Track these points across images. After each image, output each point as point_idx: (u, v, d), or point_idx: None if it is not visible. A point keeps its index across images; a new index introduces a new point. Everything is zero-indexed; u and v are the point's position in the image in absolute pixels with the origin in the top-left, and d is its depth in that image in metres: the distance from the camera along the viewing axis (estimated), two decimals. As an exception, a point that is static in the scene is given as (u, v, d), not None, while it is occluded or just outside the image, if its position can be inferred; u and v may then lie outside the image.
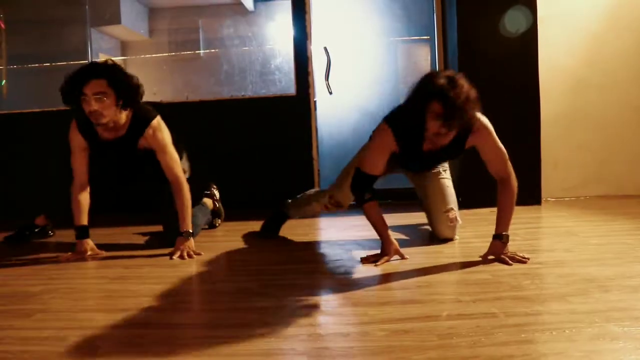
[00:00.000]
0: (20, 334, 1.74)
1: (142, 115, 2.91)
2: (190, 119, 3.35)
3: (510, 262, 2.38)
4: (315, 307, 1.93)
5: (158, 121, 2.94)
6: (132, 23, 6.96)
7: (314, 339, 1.59)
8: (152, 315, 1.91)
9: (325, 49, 4.47)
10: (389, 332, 1.61)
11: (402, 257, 2.54)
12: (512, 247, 2.50)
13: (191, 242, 2.90)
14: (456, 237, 2.96)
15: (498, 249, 2.46)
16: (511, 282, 2.09)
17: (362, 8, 5.15)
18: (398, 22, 5.04)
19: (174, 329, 1.75)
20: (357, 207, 2.77)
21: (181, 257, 2.79)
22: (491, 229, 2.51)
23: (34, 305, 2.07)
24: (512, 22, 3.96)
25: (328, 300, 2.02)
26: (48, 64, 5.67)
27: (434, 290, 2.06)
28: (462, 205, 3.91)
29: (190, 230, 2.92)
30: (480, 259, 2.49)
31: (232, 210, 4.12)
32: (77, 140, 2.95)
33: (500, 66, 4.00)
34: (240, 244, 3.10)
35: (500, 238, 2.47)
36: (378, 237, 2.63)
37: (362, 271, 2.40)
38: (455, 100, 2.18)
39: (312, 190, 3.32)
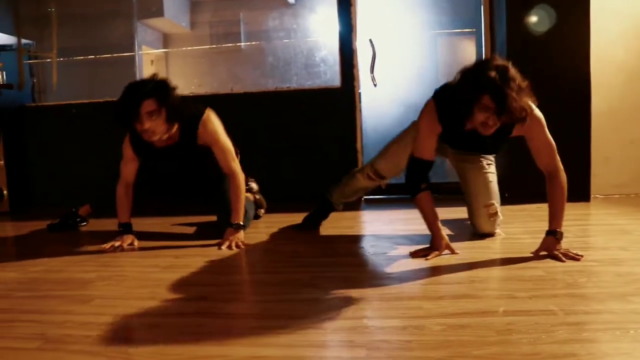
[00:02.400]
0: (80, 319, 1.78)
1: (189, 117, 2.94)
2: (234, 111, 3.38)
3: (563, 259, 2.33)
4: (367, 299, 1.92)
5: (207, 114, 2.98)
6: (174, 16, 7.03)
7: (370, 331, 1.58)
8: (206, 305, 1.93)
9: (371, 41, 4.45)
10: (446, 326, 1.59)
11: (453, 252, 2.51)
12: (563, 244, 2.45)
13: (241, 233, 2.94)
14: (497, 231, 2.91)
15: (551, 245, 2.42)
16: (566, 280, 2.05)
17: (407, 1, 5.11)
18: (443, 15, 4.98)
19: (228, 319, 1.77)
20: (406, 200, 2.76)
21: (229, 247, 2.82)
22: (539, 225, 2.47)
23: (90, 292, 2.11)
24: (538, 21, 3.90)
25: (380, 294, 2.01)
26: (93, 57, 5.77)
27: (488, 285, 2.04)
28: (509, 200, 3.87)
29: (242, 223, 2.96)
30: (532, 254, 2.44)
31: (275, 203, 4.14)
32: (128, 152, 3.04)
33: (551, 59, 3.92)
34: (284, 236, 3.11)
35: (554, 234, 2.43)
36: (424, 231, 2.61)
37: (413, 265, 2.38)
38: (507, 96, 2.13)
39: (355, 169, 3.29)
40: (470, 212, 2.97)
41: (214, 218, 3.32)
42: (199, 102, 3.07)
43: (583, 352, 1.39)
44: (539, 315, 1.67)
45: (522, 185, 3.88)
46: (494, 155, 3.03)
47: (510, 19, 3.96)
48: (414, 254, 2.51)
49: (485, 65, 2.26)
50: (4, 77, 4.66)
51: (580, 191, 3.97)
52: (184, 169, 3.16)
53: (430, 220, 2.58)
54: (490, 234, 2.90)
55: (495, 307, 1.76)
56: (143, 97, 2.71)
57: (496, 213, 2.88)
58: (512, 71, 2.21)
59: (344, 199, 3.21)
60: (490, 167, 2.98)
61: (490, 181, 2.93)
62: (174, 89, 2.85)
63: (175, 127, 2.90)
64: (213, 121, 2.99)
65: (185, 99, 2.94)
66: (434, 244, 2.54)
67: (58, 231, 3.50)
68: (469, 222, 3.03)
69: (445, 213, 3.48)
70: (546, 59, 3.93)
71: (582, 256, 2.35)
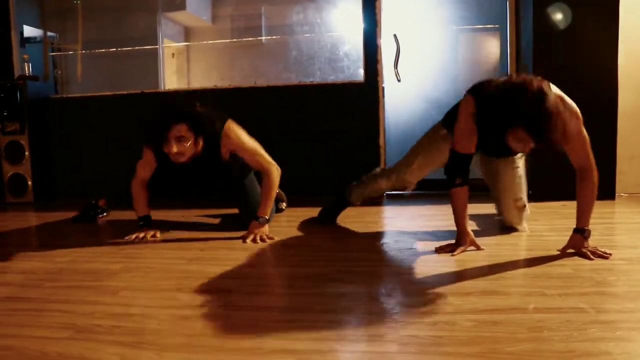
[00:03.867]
0: (109, 310, 1.79)
1: (210, 131, 2.91)
2: (257, 104, 3.39)
3: (592, 256, 2.31)
4: (395, 295, 1.92)
5: (227, 126, 2.97)
6: (196, 9, 7.04)
7: (401, 326, 1.58)
8: (233, 297, 1.93)
9: (395, 36, 4.43)
10: (477, 322, 1.58)
11: (478, 248, 2.50)
12: (590, 242, 2.43)
13: (266, 227, 2.96)
14: (525, 227, 2.93)
15: (579, 243, 2.40)
16: (595, 278, 2.03)
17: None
18: (467, 11, 4.94)
19: (256, 312, 1.77)
20: (429, 196, 2.74)
21: (254, 240, 2.83)
22: (565, 223, 2.45)
23: (117, 283, 2.12)
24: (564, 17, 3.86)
25: (408, 289, 2.00)
26: (114, 49, 5.80)
27: (517, 282, 2.02)
28: (533, 198, 3.84)
29: (267, 217, 2.98)
30: (559, 252, 2.42)
31: (297, 197, 4.15)
32: (149, 157, 3.04)
33: (578, 56, 3.88)
34: (307, 231, 3.11)
35: (582, 232, 2.41)
36: (448, 227, 2.60)
37: (438, 261, 2.37)
38: (544, 130, 2.07)
39: (377, 169, 3.27)
40: (498, 205, 3.01)
41: (237, 210, 3.35)
42: (222, 97, 3.09)
43: (618, 351, 1.37)
44: (570, 312, 1.65)
45: (547, 183, 3.85)
46: None
47: (537, 15, 3.92)
48: (439, 250, 2.50)
49: (521, 93, 2.10)
50: (30, 69, 4.70)
51: (605, 189, 3.92)
52: (204, 177, 3.17)
53: (460, 215, 2.54)
54: (518, 229, 2.93)
55: (525, 304, 1.75)
56: (174, 121, 2.77)
57: (524, 207, 2.90)
58: (551, 97, 2.10)
59: (362, 198, 3.23)
60: (519, 161, 2.94)
61: (519, 176, 2.93)
62: (204, 113, 2.86)
63: (200, 145, 2.90)
64: (234, 130, 2.99)
65: (206, 108, 2.91)
66: (459, 240, 2.52)
67: (80, 222, 3.57)
68: (497, 217, 3.04)
69: (472, 209, 3.47)
70: (574, 56, 3.89)
71: (610, 254, 2.32)
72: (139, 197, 3.09)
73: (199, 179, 3.19)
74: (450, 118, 2.68)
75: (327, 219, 3.26)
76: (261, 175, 3.04)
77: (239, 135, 3.00)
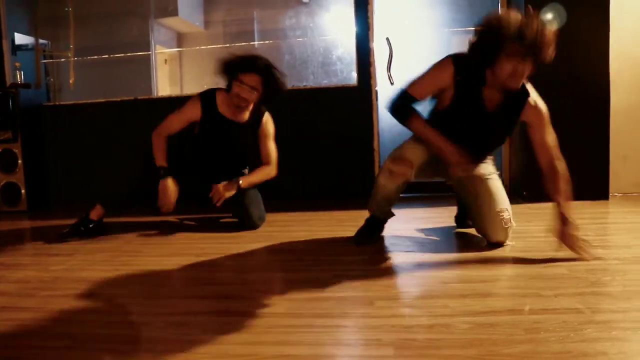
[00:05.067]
0: (105, 318, 1.80)
1: (259, 107, 3.33)
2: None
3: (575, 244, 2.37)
4: (393, 298, 1.92)
5: (269, 114, 3.38)
6: (188, 15, 7.03)
7: (397, 330, 1.58)
8: (231, 303, 1.93)
9: (388, 39, 4.44)
10: (474, 324, 1.59)
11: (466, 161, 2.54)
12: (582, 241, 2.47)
13: (233, 191, 3.20)
14: (509, 242, 2.67)
15: (567, 234, 2.42)
16: (590, 278, 2.04)
17: (424, -1, 5.10)
18: (459, 13, 4.96)
19: (254, 318, 1.76)
20: (426, 198, 2.72)
21: (216, 192, 3.15)
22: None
23: (113, 290, 2.13)
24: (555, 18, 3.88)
25: (406, 292, 2.01)
26: (106, 56, 5.79)
27: (513, 283, 2.03)
28: (528, 199, 3.86)
29: (241, 184, 3.22)
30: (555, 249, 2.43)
31: (292, 201, 4.15)
32: (192, 110, 3.28)
33: (569, 56, 3.89)
34: (303, 235, 3.10)
35: (566, 223, 2.42)
36: (445, 229, 2.60)
37: (435, 264, 2.37)
38: (535, 37, 2.21)
39: None
40: (479, 220, 2.73)
41: (229, 215, 3.41)
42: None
43: (614, 351, 1.38)
44: (566, 313, 1.66)
45: (541, 184, 3.85)
46: (496, 149, 2.90)
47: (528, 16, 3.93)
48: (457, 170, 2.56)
49: (503, 18, 2.30)
50: (22, 76, 4.69)
51: (599, 189, 3.94)
52: (220, 155, 3.35)
53: (433, 134, 2.55)
54: (502, 244, 2.65)
55: (521, 305, 1.76)
56: (254, 70, 3.08)
57: (510, 220, 2.65)
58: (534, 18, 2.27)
59: (383, 208, 2.90)
60: (491, 174, 2.79)
61: (499, 187, 2.74)
62: (280, 79, 3.19)
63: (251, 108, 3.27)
64: (272, 121, 3.40)
65: None
66: (447, 155, 2.53)
67: (69, 239, 3.15)
68: (479, 236, 2.81)
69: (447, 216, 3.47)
70: (565, 58, 3.89)
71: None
72: (158, 146, 3.21)
73: (214, 164, 3.37)
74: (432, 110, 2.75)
75: (363, 239, 2.88)
76: (265, 165, 3.36)
77: (273, 127, 3.40)
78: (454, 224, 3.15)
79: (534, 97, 2.56)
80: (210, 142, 3.31)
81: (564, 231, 2.40)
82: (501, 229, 2.62)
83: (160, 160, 3.18)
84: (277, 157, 3.40)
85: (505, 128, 2.68)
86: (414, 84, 2.61)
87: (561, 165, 2.53)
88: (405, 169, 2.62)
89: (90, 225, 3.23)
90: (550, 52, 2.29)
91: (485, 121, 2.57)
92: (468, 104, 2.56)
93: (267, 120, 3.36)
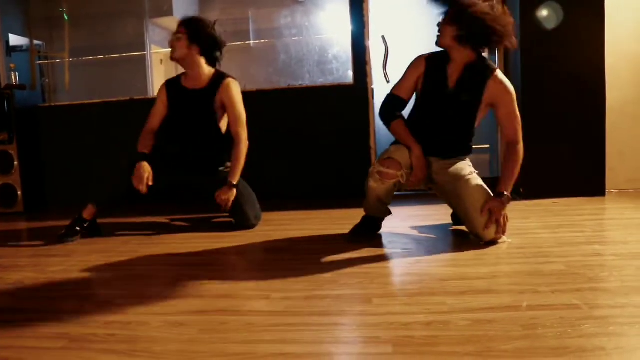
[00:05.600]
0: (103, 319, 1.79)
1: (221, 73, 3.34)
2: (247, 109, 3.38)
3: (501, 220, 2.58)
4: (389, 296, 1.92)
5: (234, 79, 3.33)
6: (183, 14, 7.02)
7: (395, 327, 1.58)
8: (228, 302, 1.93)
9: (383, 37, 4.44)
10: (472, 321, 1.59)
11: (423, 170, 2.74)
12: (581, 239, 2.55)
13: (234, 192, 3.21)
14: (505, 238, 2.66)
15: (497, 207, 2.58)
16: (588, 274, 2.04)
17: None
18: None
19: (251, 316, 1.77)
20: (422, 196, 2.72)
21: (222, 201, 3.18)
22: (556, 220, 2.51)
23: (110, 291, 2.13)
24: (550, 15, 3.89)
25: (403, 289, 2.01)
26: (102, 57, 5.78)
27: (510, 280, 2.03)
28: (525, 196, 3.86)
29: (235, 183, 3.21)
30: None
31: (288, 200, 4.15)
32: (160, 95, 3.40)
33: (564, 52, 3.90)
34: (300, 233, 3.10)
35: (500, 196, 2.61)
36: (442, 227, 2.60)
37: (432, 261, 2.38)
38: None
39: None
40: (469, 221, 2.69)
41: (225, 214, 3.42)
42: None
43: (611, 346, 1.38)
44: (563, 309, 1.67)
45: (537, 181, 3.87)
46: (468, 133, 2.87)
47: (524, 14, 3.94)
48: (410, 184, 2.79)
49: None
50: (17, 78, 4.68)
51: (595, 185, 3.95)
52: (192, 131, 3.37)
53: (408, 136, 2.76)
54: (496, 241, 2.63)
55: (519, 301, 1.76)
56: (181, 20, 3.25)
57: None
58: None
59: (377, 208, 2.90)
60: (471, 174, 2.77)
61: (482, 185, 2.70)
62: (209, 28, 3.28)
63: (207, 71, 3.30)
64: (236, 87, 3.33)
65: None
66: (413, 157, 2.74)
67: (67, 240, 3.14)
68: (474, 236, 2.76)
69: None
70: (560, 55, 3.91)
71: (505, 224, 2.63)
72: (143, 140, 3.27)
73: (190, 142, 3.39)
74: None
75: (356, 237, 2.90)
76: (234, 142, 3.28)
77: (237, 93, 3.32)
78: (450, 222, 3.15)
79: (501, 76, 2.72)
80: (176, 115, 3.38)
81: (496, 202, 2.58)
82: (490, 227, 2.60)
83: (140, 148, 3.24)
84: (244, 126, 3.31)
85: (468, 105, 2.76)
86: (397, 84, 2.87)
87: (518, 146, 2.69)
88: (394, 170, 2.71)
89: (85, 225, 3.23)
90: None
91: (448, 98, 2.75)
92: (433, 83, 2.78)
93: (228, 83, 3.29)
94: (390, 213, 2.95)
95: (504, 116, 2.72)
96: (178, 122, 3.38)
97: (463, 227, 2.99)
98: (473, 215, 2.63)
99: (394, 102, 2.83)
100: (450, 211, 3.16)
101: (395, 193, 2.85)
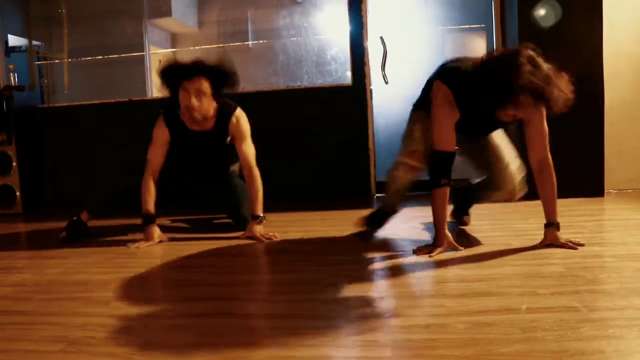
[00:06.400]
0: (102, 321, 1.78)
1: (225, 106, 3.10)
2: (246, 110, 3.37)
3: (573, 245, 2.46)
4: (388, 298, 1.92)
5: (239, 111, 3.13)
6: (182, 15, 7.02)
7: (394, 330, 1.58)
8: (226, 305, 1.92)
9: (382, 38, 4.44)
10: (470, 324, 1.59)
11: (456, 249, 2.51)
12: (579, 240, 2.52)
13: (262, 226, 3.08)
14: (520, 193, 2.78)
15: (555, 236, 2.51)
16: (587, 276, 2.04)
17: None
18: (453, 11, 4.96)
19: (250, 320, 1.77)
20: (422, 197, 2.72)
21: (257, 239, 2.98)
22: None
23: (109, 294, 2.11)
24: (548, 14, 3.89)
25: (401, 292, 2.00)
26: (101, 57, 5.78)
27: (509, 282, 2.02)
28: (525, 197, 3.85)
29: (262, 215, 3.05)
30: (537, 245, 2.52)
31: (287, 202, 4.14)
32: (161, 134, 3.11)
33: (563, 54, 3.85)
34: (299, 235, 3.10)
35: (554, 226, 2.53)
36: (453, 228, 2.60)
37: (431, 263, 2.37)
38: (546, 92, 2.15)
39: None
40: (490, 177, 2.79)
41: (223, 216, 3.41)
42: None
43: (610, 349, 1.38)
44: (563, 312, 1.66)
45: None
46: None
47: (522, 13, 3.94)
48: (417, 251, 2.51)
49: (514, 60, 2.17)
50: (16, 78, 4.67)
51: (594, 186, 3.95)
52: (203, 165, 3.25)
53: (440, 216, 2.54)
54: (515, 196, 2.77)
55: (518, 304, 1.75)
56: (196, 73, 2.88)
57: (519, 171, 2.75)
58: (542, 62, 2.24)
59: (394, 200, 2.91)
60: (499, 130, 2.82)
61: (505, 140, 2.81)
62: (232, 76, 2.99)
63: (212, 109, 3.02)
64: (244, 118, 3.14)
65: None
66: (437, 241, 2.53)
67: (71, 242, 3.17)
68: (491, 194, 2.87)
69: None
70: (559, 53, 3.89)
71: (583, 244, 2.48)
72: (146, 191, 3.06)
73: (198, 169, 3.27)
74: (424, 104, 2.67)
75: (369, 234, 2.93)
76: (246, 174, 3.11)
77: (247, 126, 3.14)
78: (451, 221, 3.13)
79: None
80: (183, 157, 3.23)
81: (552, 235, 2.52)
82: (511, 180, 2.71)
83: (146, 206, 3.05)
84: (254, 156, 3.15)
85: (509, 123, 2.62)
86: (437, 137, 2.51)
87: (550, 167, 2.55)
88: (419, 162, 2.66)
89: (83, 227, 3.24)
90: (559, 106, 2.23)
91: (489, 120, 2.56)
92: (472, 119, 2.53)
93: (237, 118, 3.11)
94: (399, 210, 2.98)
95: (534, 133, 2.50)
96: (186, 159, 3.25)
97: (463, 227, 3.01)
98: (497, 167, 2.71)
99: (445, 158, 2.51)
100: (449, 212, 3.15)
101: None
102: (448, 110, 2.47)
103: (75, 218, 3.24)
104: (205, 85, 2.89)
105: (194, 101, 2.87)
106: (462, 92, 2.42)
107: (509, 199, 2.80)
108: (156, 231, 3.06)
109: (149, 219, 3.06)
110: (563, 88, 2.21)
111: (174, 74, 2.93)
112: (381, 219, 2.97)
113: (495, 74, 2.18)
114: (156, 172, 3.11)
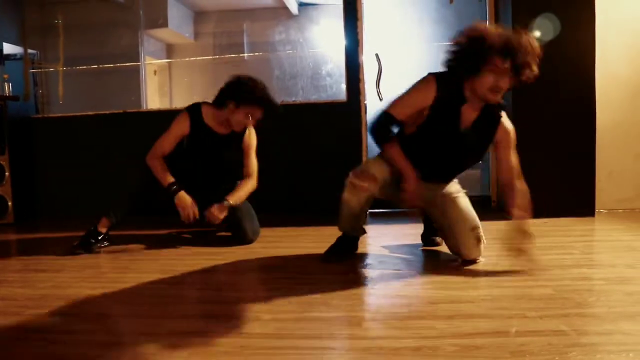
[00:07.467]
0: (93, 338, 1.78)
1: None
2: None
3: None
4: (379, 319, 1.93)
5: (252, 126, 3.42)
6: (178, 26, 7.05)
7: (385, 352, 1.59)
8: (218, 323, 1.93)
9: (377, 55, 4.47)
10: (460, 347, 1.60)
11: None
12: (569, 261, 2.57)
13: (225, 210, 3.22)
14: (481, 258, 2.71)
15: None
16: (576, 299, 2.06)
17: (413, 15, 5.14)
18: (448, 28, 5.00)
19: (240, 338, 1.76)
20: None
21: (211, 216, 3.19)
22: (546, 241, 2.51)
23: (101, 309, 2.12)
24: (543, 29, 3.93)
25: (391, 313, 2.01)
26: (96, 66, 5.79)
27: (499, 304, 2.04)
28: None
29: (232, 203, 3.24)
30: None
31: (280, 217, 4.15)
32: (180, 126, 3.32)
33: (556, 74, 3.93)
34: (293, 251, 3.11)
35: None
36: (435, 248, 2.60)
37: (422, 283, 2.39)
38: (521, 54, 2.28)
39: None
40: (452, 239, 2.74)
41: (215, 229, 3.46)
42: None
43: (598, 375, 1.39)
44: (551, 335, 1.68)
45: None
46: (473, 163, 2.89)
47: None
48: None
49: (486, 31, 2.36)
50: (10, 88, 4.67)
51: (584, 206, 3.98)
52: (213, 165, 3.38)
53: (401, 161, 2.61)
54: (475, 260, 2.69)
55: (507, 326, 1.77)
56: (262, 106, 3.26)
57: (481, 237, 2.69)
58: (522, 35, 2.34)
59: (352, 225, 2.89)
60: (459, 192, 2.82)
61: (468, 205, 2.77)
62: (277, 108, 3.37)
63: None
64: (254, 131, 3.47)
65: None
66: (404, 175, 2.59)
67: (82, 252, 3.16)
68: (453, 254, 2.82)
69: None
70: (551, 73, 3.94)
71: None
72: (158, 166, 3.23)
73: (209, 171, 3.41)
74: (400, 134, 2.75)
75: (330, 257, 2.86)
76: (245, 178, 3.40)
77: (255, 139, 3.47)
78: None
79: (504, 117, 2.63)
80: (198, 153, 3.35)
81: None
82: (474, 246, 2.67)
83: (166, 178, 3.21)
84: (257, 169, 3.44)
85: (479, 146, 2.70)
86: (395, 104, 2.64)
87: (521, 183, 2.60)
88: (369, 183, 2.67)
89: (99, 237, 3.25)
90: (533, 71, 2.35)
91: (458, 139, 2.60)
92: (443, 122, 2.58)
93: (251, 131, 3.43)
94: (364, 232, 2.98)
95: (506, 156, 2.63)
96: (199, 156, 3.37)
97: (435, 248, 3.02)
98: (459, 235, 2.68)
99: (390, 122, 2.63)
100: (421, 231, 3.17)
101: (388, 210, 2.85)
102: (423, 92, 2.57)
103: (92, 228, 3.26)
104: (261, 114, 3.28)
105: (249, 122, 3.26)
106: (444, 85, 2.55)
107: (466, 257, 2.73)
108: (187, 197, 3.19)
109: (174, 188, 3.19)
110: (531, 42, 2.33)
111: (247, 94, 3.19)
112: (347, 245, 2.93)
113: (467, 41, 2.39)
114: (163, 155, 3.26)
